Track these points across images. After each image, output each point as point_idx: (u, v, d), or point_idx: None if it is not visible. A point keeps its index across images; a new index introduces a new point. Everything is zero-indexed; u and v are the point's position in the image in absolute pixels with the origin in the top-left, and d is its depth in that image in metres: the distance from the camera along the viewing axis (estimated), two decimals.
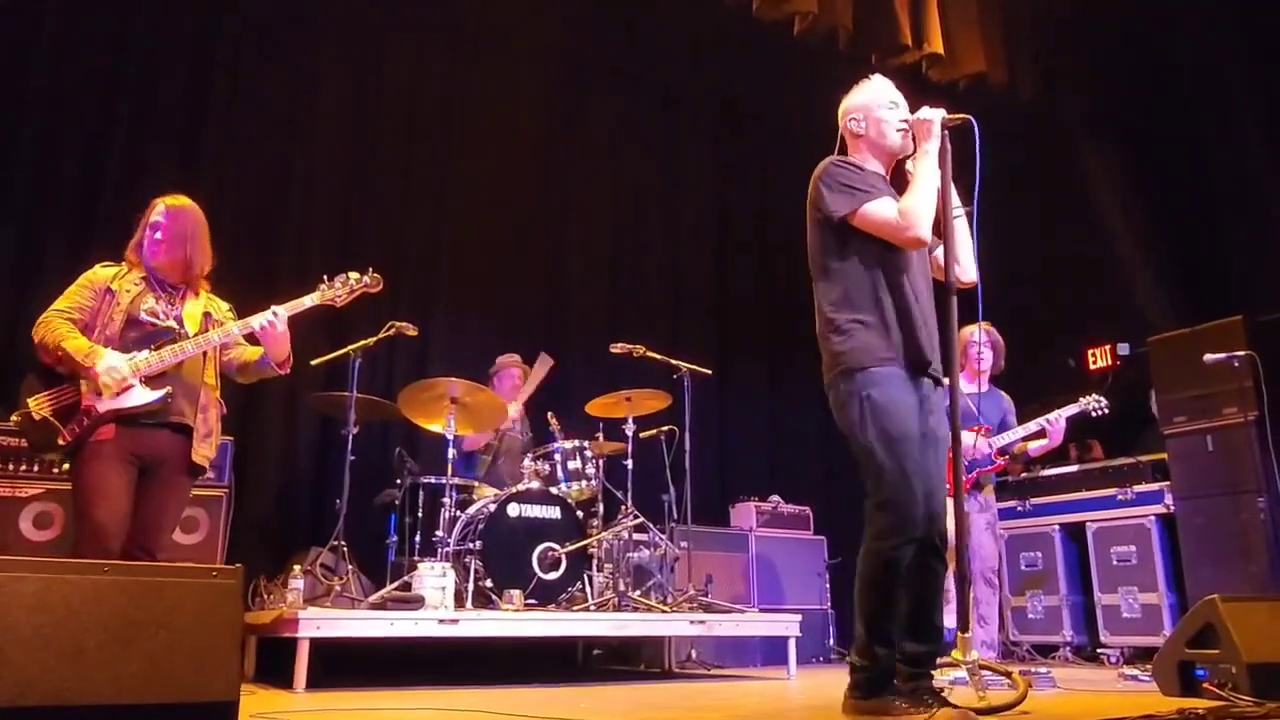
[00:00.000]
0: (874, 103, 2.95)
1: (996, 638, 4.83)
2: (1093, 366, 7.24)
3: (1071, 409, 4.82)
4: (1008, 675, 3.08)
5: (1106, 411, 4.91)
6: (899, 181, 2.92)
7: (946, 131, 2.88)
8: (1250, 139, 6.17)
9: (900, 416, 2.67)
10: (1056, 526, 6.10)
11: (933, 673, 2.70)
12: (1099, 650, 5.72)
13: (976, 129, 2.84)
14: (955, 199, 2.89)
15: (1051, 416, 4.74)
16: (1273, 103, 6.03)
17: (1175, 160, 6.50)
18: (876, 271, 2.79)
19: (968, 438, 4.63)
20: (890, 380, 2.70)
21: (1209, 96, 6.42)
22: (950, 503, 2.83)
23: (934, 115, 2.85)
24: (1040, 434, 4.79)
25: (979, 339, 4.72)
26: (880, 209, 2.77)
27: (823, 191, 2.84)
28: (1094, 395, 4.94)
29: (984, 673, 2.78)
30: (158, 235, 3.39)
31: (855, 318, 2.77)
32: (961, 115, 2.88)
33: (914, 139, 2.88)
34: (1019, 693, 2.78)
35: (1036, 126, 6.86)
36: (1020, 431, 4.75)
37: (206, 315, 3.45)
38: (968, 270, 2.89)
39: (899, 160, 2.97)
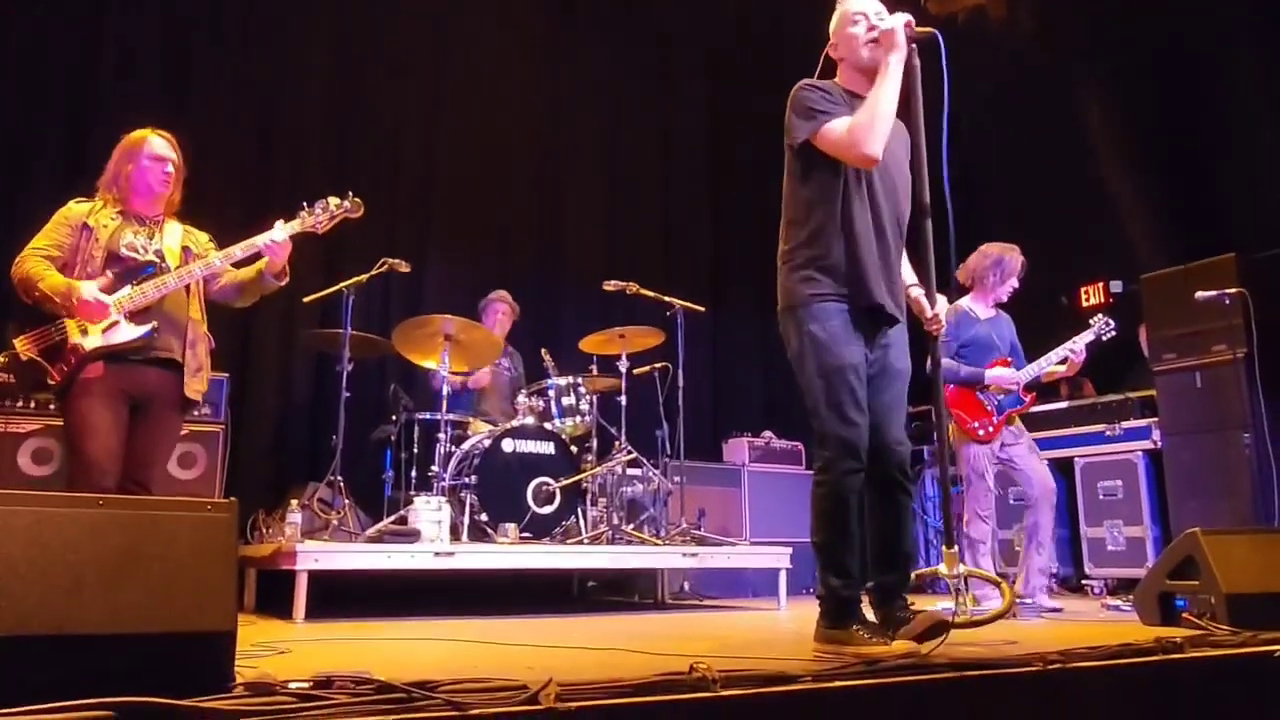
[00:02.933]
0: (842, 22, 2.87)
1: (1051, 567, 4.73)
2: (1085, 304, 7.25)
3: (1089, 335, 4.80)
4: (996, 584, 3.12)
5: (1115, 333, 4.91)
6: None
7: (914, 46, 2.75)
8: (1247, 78, 6.10)
9: (839, 350, 2.65)
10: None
11: (906, 599, 2.74)
12: (1083, 581, 5.83)
13: (942, 44, 2.72)
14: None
15: (1075, 346, 4.73)
16: (1270, 43, 5.95)
17: (1172, 98, 6.44)
18: (836, 205, 2.72)
19: (1009, 370, 4.61)
20: (831, 314, 2.67)
21: (1207, 34, 6.33)
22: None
23: (895, 22, 2.72)
24: (1062, 363, 4.77)
25: (1018, 269, 4.68)
26: (835, 127, 2.70)
27: (792, 117, 2.79)
28: (1102, 316, 4.89)
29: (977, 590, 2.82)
30: (169, 169, 3.40)
31: (807, 253, 2.73)
32: (926, 29, 2.76)
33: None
34: (1004, 605, 2.82)
35: (1033, 61, 6.78)
36: (1044, 364, 4.71)
37: (186, 250, 3.44)
38: None
39: None
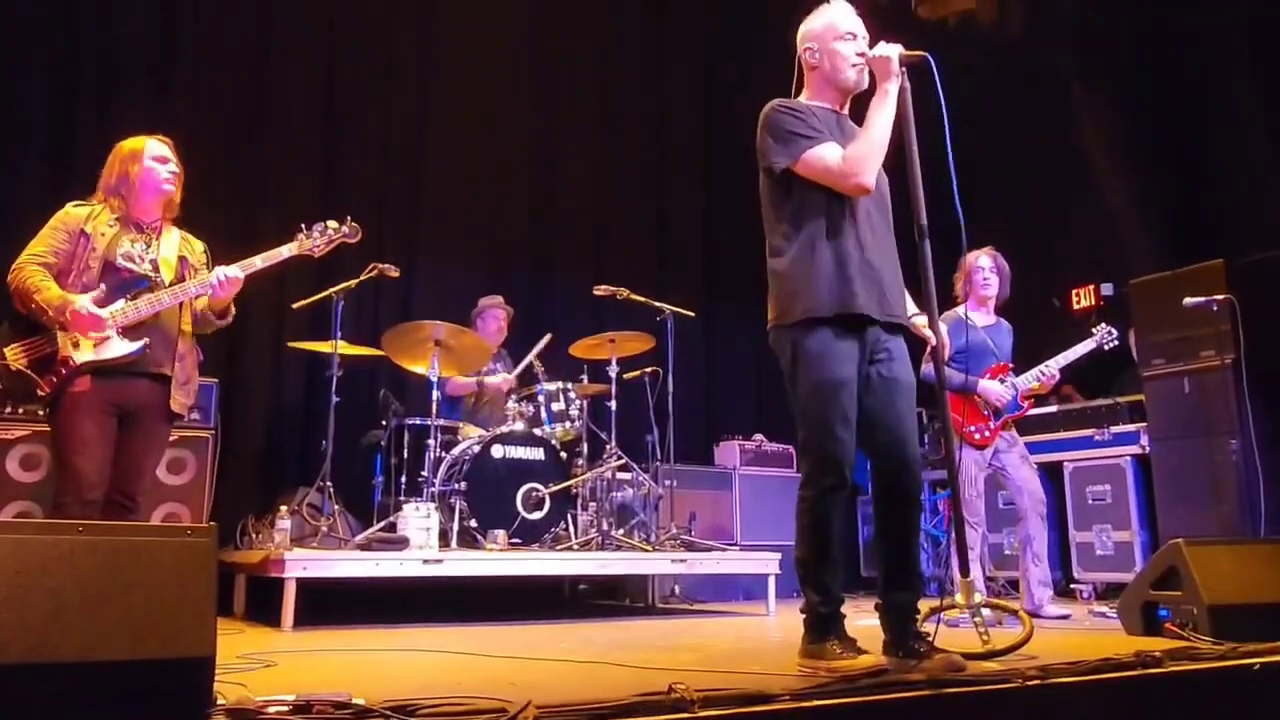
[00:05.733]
0: (829, 33, 2.80)
1: (1050, 575, 4.67)
2: (1077, 306, 7.27)
3: (1090, 344, 4.79)
4: (1014, 613, 3.10)
5: (1118, 343, 4.91)
6: (860, 117, 2.79)
7: (905, 70, 2.74)
8: (1239, 81, 6.10)
9: (830, 365, 2.63)
10: (1036, 471, 6.16)
11: (917, 620, 2.70)
12: (1071, 585, 5.85)
13: (934, 67, 2.71)
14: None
15: (1068, 356, 4.73)
16: (1262, 45, 5.96)
17: (1163, 103, 6.44)
18: (820, 221, 2.70)
19: (999, 386, 4.57)
20: (824, 330, 2.64)
21: (1198, 38, 6.33)
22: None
23: (890, 51, 2.71)
24: (1057, 374, 4.76)
25: (985, 265, 4.67)
26: (821, 155, 2.68)
27: (767, 140, 2.76)
28: (1105, 325, 4.87)
29: (986, 615, 2.81)
30: (171, 169, 3.40)
31: (795, 271, 2.70)
32: (919, 52, 2.74)
33: (873, 77, 2.76)
34: (1025, 633, 2.78)
35: (1026, 64, 6.79)
36: (1040, 373, 4.67)
37: (182, 260, 3.44)
38: None
39: (859, 95, 2.84)
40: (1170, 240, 6.29)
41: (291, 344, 5.32)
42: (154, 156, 3.39)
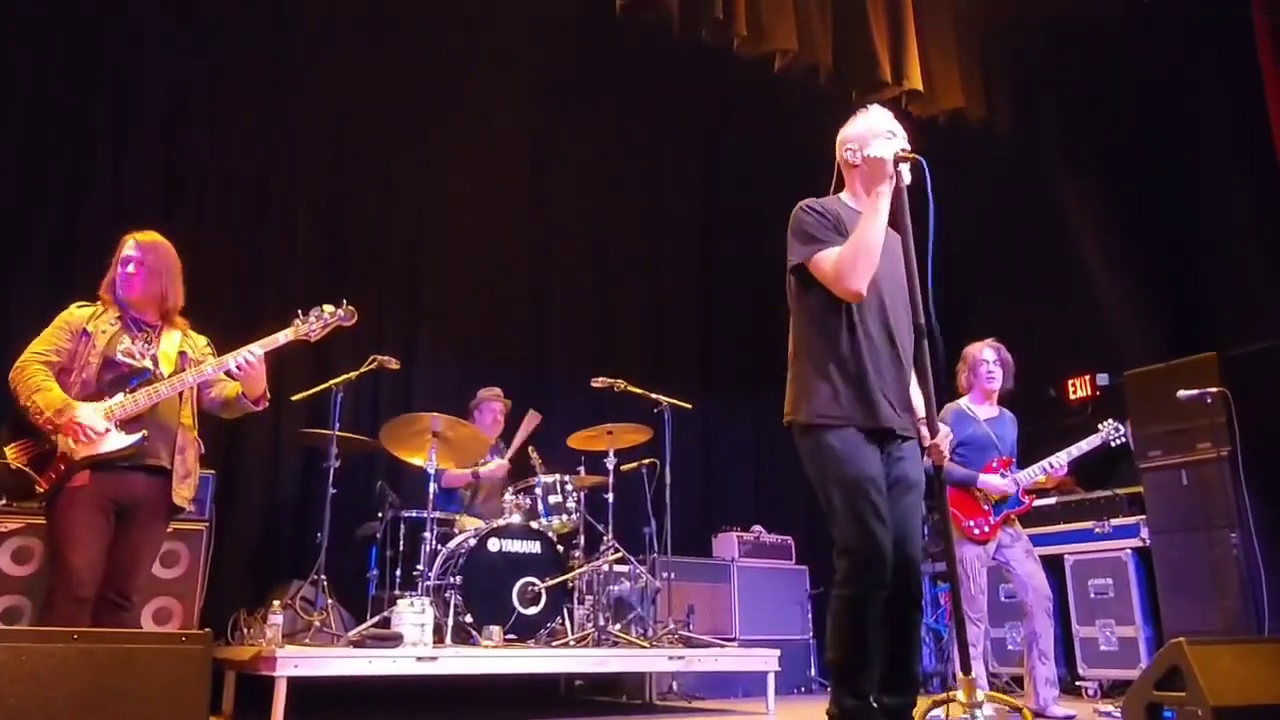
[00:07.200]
0: (870, 133, 2.84)
1: (1055, 672, 4.57)
2: (1072, 396, 7.29)
3: (1095, 440, 4.81)
4: (1018, 710, 3.05)
5: (1125, 440, 4.92)
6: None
7: (898, 171, 2.77)
8: (1228, 175, 6.23)
9: (857, 462, 2.64)
10: (1041, 566, 6.10)
11: None
12: (1077, 683, 5.74)
13: (926, 169, 2.76)
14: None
15: (1074, 451, 4.75)
16: (1249, 138, 6.10)
17: (1153, 195, 6.57)
18: (837, 320, 2.74)
19: (999, 479, 4.57)
20: (846, 431, 2.67)
21: (1186, 132, 6.49)
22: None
23: (885, 152, 2.76)
24: (1065, 468, 4.76)
25: (989, 358, 4.72)
26: (825, 258, 2.72)
27: (790, 238, 2.82)
28: (1112, 422, 4.90)
29: (989, 712, 2.76)
30: (130, 269, 3.40)
31: (815, 374, 2.73)
32: (912, 155, 2.79)
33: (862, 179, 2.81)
34: None
35: (1015, 159, 6.94)
36: (1047, 466, 4.70)
37: (183, 354, 3.46)
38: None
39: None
40: (1163, 332, 6.35)
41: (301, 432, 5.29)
42: (120, 258, 3.42)
